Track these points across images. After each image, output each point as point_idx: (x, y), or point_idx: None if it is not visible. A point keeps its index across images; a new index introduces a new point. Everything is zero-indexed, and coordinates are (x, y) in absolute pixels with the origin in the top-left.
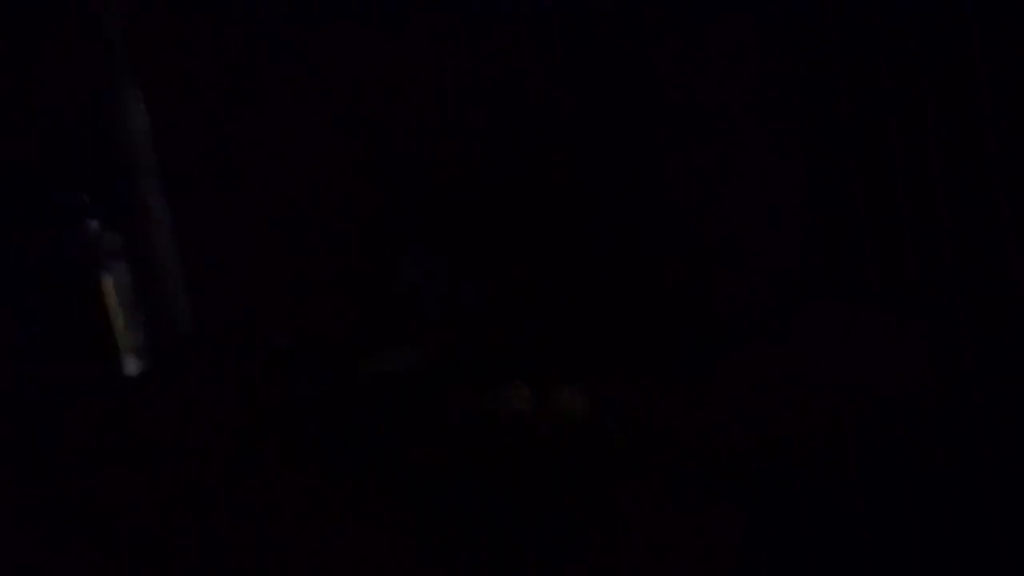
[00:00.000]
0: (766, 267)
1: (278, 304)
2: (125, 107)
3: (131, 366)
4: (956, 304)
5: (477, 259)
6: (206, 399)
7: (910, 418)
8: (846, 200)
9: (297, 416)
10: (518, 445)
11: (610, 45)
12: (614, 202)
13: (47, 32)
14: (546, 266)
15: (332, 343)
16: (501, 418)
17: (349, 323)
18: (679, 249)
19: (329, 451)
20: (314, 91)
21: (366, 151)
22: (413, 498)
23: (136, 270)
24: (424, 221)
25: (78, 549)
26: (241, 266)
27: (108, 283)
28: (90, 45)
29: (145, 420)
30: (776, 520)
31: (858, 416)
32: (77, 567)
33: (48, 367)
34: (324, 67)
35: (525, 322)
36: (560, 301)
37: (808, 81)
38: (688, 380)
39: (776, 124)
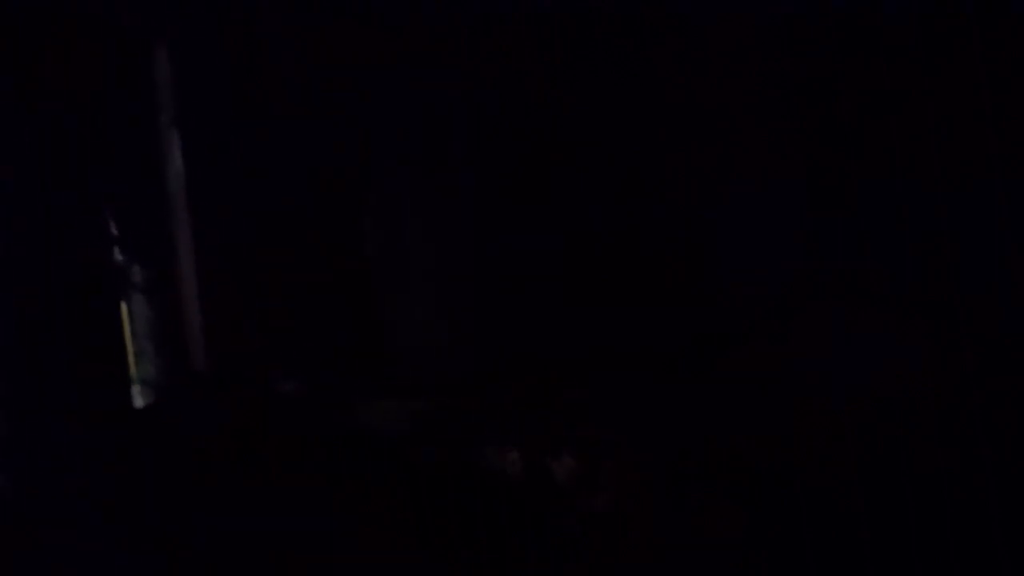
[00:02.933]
0: (766, 267)
1: (289, 351)
2: (164, 148)
3: (138, 397)
4: (956, 304)
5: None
6: (202, 432)
7: (910, 418)
8: (846, 200)
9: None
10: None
11: (608, 46)
12: (615, 203)
13: (85, 68)
14: (547, 264)
15: (335, 391)
16: (490, 479)
17: (352, 374)
18: (680, 249)
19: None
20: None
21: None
22: (413, 498)
23: (156, 304)
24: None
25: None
26: (256, 312)
27: (124, 313)
28: (130, 86)
29: (141, 448)
30: (776, 520)
31: (858, 416)
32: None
33: (55, 388)
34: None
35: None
36: (563, 298)
37: (808, 81)
38: (688, 380)
39: (776, 124)
